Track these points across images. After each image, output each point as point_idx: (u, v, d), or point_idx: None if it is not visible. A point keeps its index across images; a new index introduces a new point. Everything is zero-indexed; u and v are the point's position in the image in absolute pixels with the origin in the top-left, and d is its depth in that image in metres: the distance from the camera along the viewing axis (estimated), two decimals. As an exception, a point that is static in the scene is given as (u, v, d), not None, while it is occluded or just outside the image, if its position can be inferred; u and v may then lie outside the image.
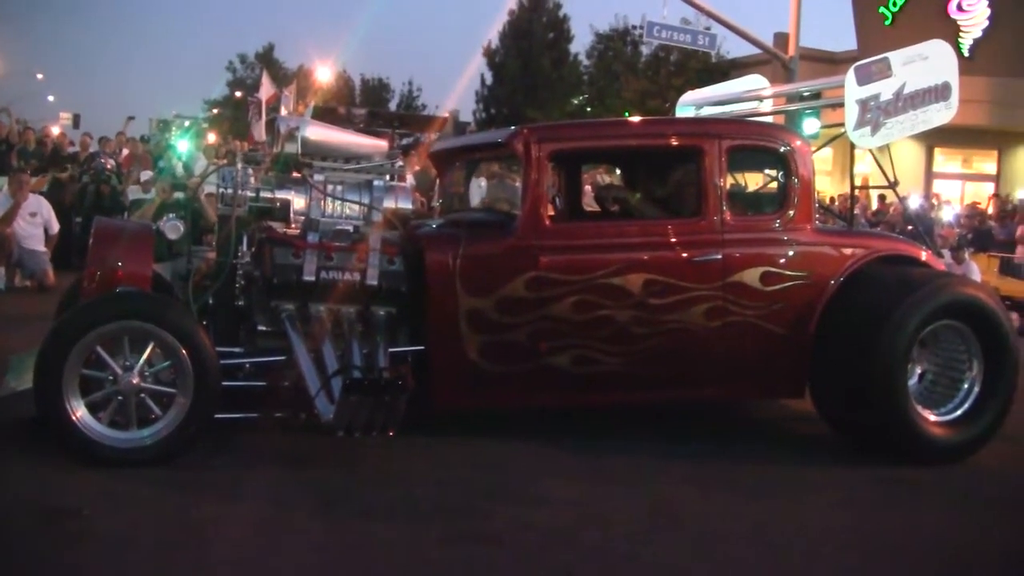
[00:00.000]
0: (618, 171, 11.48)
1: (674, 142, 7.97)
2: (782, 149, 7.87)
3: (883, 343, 7.24)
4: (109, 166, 19.84)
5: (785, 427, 8.62)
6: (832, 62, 38.86)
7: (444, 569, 5.29)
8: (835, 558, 5.68)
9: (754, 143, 8.04)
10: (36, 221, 15.41)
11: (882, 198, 25.04)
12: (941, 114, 8.54)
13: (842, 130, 8.69)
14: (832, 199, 25.38)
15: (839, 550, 5.79)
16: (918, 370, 7.76)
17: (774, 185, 8.47)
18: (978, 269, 17.40)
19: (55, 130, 28.56)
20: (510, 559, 5.44)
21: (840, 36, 53.05)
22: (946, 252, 16.04)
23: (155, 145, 25.12)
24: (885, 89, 8.35)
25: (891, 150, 9.05)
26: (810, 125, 10.00)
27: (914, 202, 20.56)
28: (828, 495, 6.74)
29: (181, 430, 6.55)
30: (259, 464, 6.76)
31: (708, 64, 42.88)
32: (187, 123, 39.31)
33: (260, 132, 23.62)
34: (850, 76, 8.31)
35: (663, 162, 8.61)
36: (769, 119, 10.26)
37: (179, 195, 13.72)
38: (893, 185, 9.25)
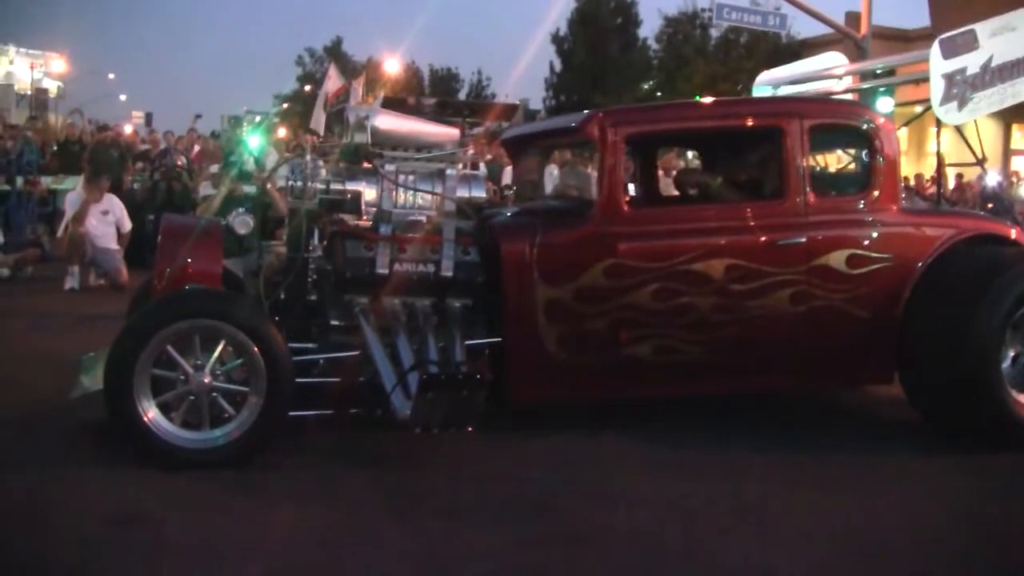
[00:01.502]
0: (690, 154, 11.28)
1: (754, 123, 7.78)
2: (865, 127, 7.65)
3: (975, 326, 7.00)
4: (180, 163, 19.90)
5: (873, 415, 8.37)
6: (905, 40, 38.40)
7: (530, 573, 5.13)
8: (929, 557, 5.46)
9: (837, 122, 7.84)
10: (108, 219, 15.39)
11: (959, 176, 24.67)
12: (1031, 87, 8.30)
13: (918, 109, 8.45)
14: (906, 178, 24.99)
15: (932, 547, 5.58)
16: (1011, 353, 7.40)
17: (858, 165, 8.25)
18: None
19: (127, 129, 28.76)
20: (595, 560, 5.25)
21: (913, 13, 52.41)
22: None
23: (226, 140, 25.21)
24: (972, 62, 8.13)
25: (968, 127, 8.82)
26: (884, 104, 9.77)
27: (991, 179, 20.16)
28: (919, 487, 6.52)
29: (254, 430, 6.42)
30: (334, 464, 6.63)
31: (778, 45, 42.53)
32: (258, 119, 39.53)
33: (319, 123, 23.67)
34: (935, 50, 8.09)
35: (743, 144, 8.40)
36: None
37: (248, 189, 13.65)
38: (981, 162, 9.01)
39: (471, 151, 7.56)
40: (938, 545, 5.61)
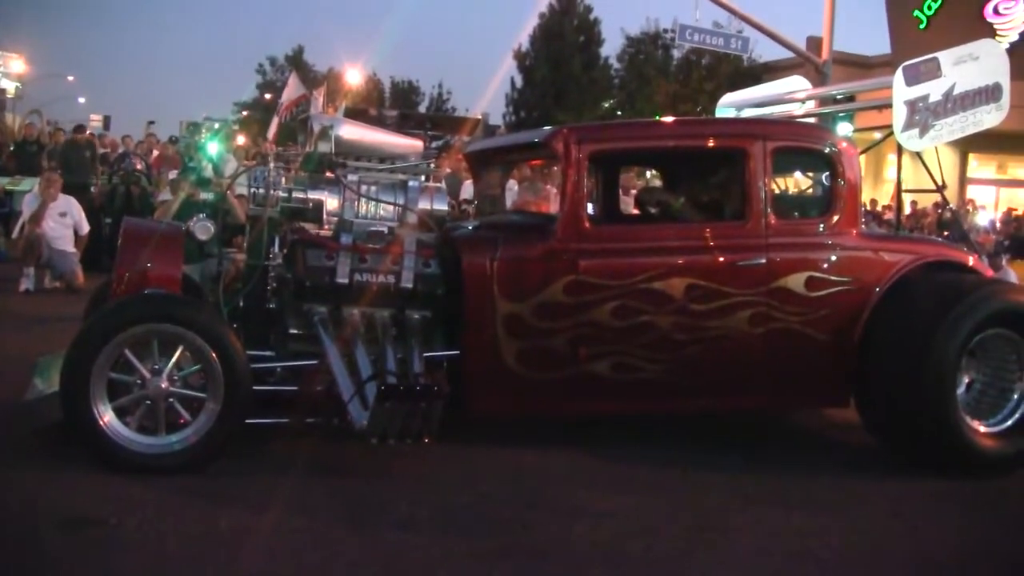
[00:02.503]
0: (649, 173, 11.28)
1: (718, 143, 7.78)
2: (828, 151, 7.68)
3: (932, 352, 7.03)
4: (139, 167, 19.80)
5: (829, 437, 8.43)
6: (865, 66, 38.78)
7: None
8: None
9: (800, 144, 7.84)
10: (66, 221, 15.30)
11: (914, 203, 24.85)
12: (992, 116, 8.35)
13: (877, 135, 8.50)
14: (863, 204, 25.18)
15: (889, 567, 5.63)
16: (966, 379, 7.52)
17: (819, 188, 8.29)
18: (1016, 276, 17.13)
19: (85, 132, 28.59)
20: (554, 574, 5.26)
21: (874, 40, 52.91)
22: (983, 259, 15.78)
23: (185, 146, 25.11)
24: (934, 90, 8.17)
25: (928, 154, 8.87)
26: (843, 129, 9.83)
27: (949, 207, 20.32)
28: (875, 508, 6.55)
29: (210, 436, 6.40)
30: (290, 472, 6.60)
31: (740, 68, 42.72)
32: (217, 125, 39.39)
33: (271, 132, 23.76)
34: (898, 76, 8.13)
35: (706, 164, 8.45)
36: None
37: (206, 195, 13.60)
38: (941, 188, 9.06)
39: (432, 164, 7.54)
40: (893, 565, 5.65)
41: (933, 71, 8.19)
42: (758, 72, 40.13)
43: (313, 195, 7.27)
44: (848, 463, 7.51)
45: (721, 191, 8.18)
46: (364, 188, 7.23)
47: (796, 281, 7.34)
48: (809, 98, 10.43)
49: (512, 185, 16.77)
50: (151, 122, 28.77)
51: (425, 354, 6.99)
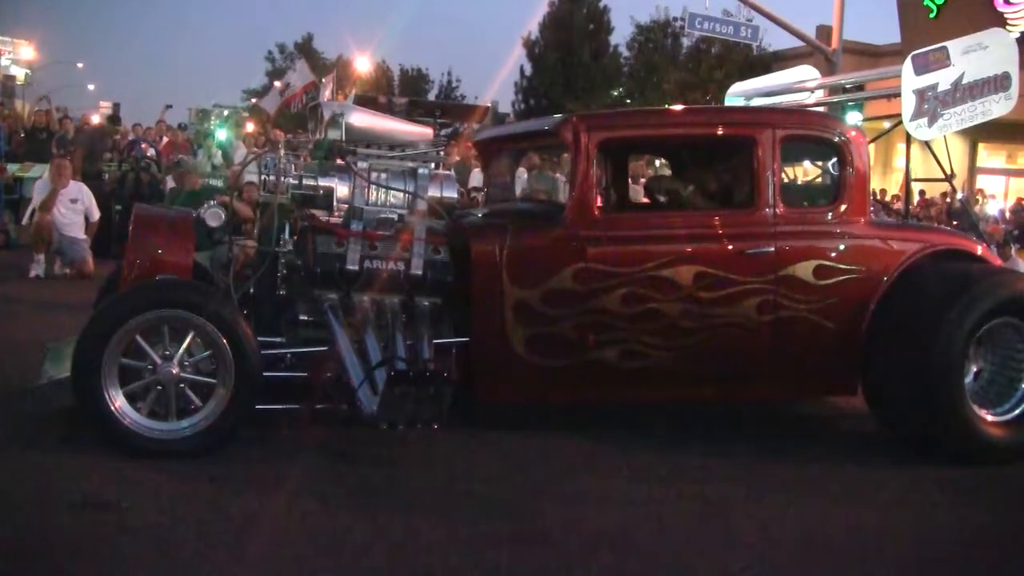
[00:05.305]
0: (658, 162, 11.26)
1: (726, 131, 7.78)
2: (837, 139, 7.66)
3: (939, 341, 7.02)
4: (149, 154, 19.80)
5: (836, 426, 8.45)
6: (875, 55, 38.69)
7: (492, 571, 5.13)
8: (891, 564, 5.52)
9: (808, 133, 7.83)
10: (77, 208, 15.29)
11: (922, 193, 24.78)
12: (1001, 105, 8.34)
13: (887, 124, 8.49)
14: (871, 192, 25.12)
15: (895, 555, 5.63)
16: (974, 368, 7.51)
17: (828, 176, 8.29)
18: (1026, 266, 17.11)
19: (95, 119, 28.61)
20: (559, 561, 5.27)
21: (883, 29, 52.77)
22: (992, 248, 15.77)
23: (194, 134, 25.12)
24: (943, 79, 8.17)
25: (937, 143, 8.87)
26: (852, 118, 9.80)
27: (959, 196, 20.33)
28: (882, 497, 6.56)
29: (221, 421, 6.45)
30: (300, 457, 6.63)
31: (749, 57, 42.61)
32: (226, 112, 39.39)
33: (268, 104, 23.84)
34: (907, 65, 8.13)
35: (715, 152, 8.42)
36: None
37: (213, 182, 13.58)
38: (950, 178, 9.06)
39: (441, 152, 7.54)
40: (899, 553, 5.66)
41: (942, 60, 8.18)
42: (768, 61, 40.08)
43: (323, 182, 7.27)
44: (855, 451, 7.51)
45: (730, 179, 8.16)
46: (374, 175, 7.24)
47: (804, 269, 7.34)
48: (818, 87, 10.44)
49: (521, 173, 16.74)
50: (168, 106, 28.64)
51: (434, 341, 6.99)
